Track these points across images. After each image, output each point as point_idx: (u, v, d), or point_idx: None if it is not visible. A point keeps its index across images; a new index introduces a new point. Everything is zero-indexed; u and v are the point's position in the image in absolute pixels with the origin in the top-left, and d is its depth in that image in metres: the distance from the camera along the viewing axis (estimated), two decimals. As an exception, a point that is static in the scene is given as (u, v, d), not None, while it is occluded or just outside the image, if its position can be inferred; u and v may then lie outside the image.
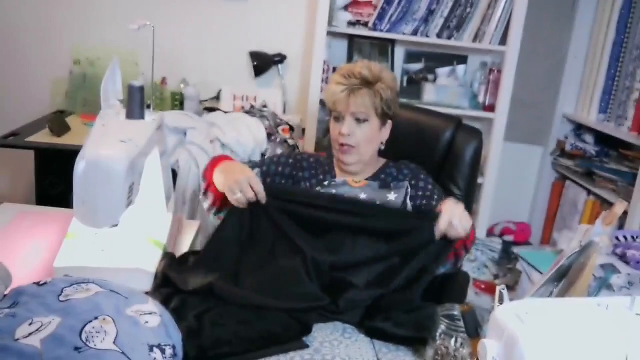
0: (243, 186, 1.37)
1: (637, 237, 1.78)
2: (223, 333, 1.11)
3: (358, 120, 1.52)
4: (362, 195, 1.52)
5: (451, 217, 1.31)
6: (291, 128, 2.57)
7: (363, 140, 1.53)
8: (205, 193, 1.55)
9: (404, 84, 2.98)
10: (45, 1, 2.91)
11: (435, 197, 1.55)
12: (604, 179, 2.79)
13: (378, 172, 1.61)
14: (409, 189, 1.55)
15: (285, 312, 1.19)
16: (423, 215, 1.43)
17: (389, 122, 1.59)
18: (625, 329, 0.83)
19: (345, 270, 1.32)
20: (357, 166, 1.57)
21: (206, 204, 1.56)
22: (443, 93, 2.87)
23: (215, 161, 1.56)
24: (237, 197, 1.38)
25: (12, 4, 2.92)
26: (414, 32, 2.77)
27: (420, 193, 1.55)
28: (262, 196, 1.39)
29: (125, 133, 1.19)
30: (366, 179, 1.59)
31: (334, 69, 2.79)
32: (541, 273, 1.92)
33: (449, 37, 2.78)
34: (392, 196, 1.52)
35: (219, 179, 1.46)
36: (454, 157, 1.76)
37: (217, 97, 2.93)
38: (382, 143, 1.60)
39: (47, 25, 2.94)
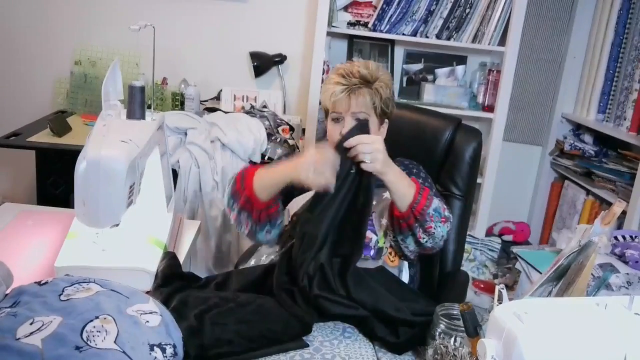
0: (312, 163, 1.31)
1: (635, 237, 1.78)
2: (224, 332, 1.11)
3: (358, 120, 1.51)
4: None
5: (361, 140, 1.33)
6: (291, 128, 2.57)
7: None
8: (240, 213, 1.44)
9: (404, 84, 2.99)
10: (46, 2, 2.92)
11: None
12: (603, 179, 2.80)
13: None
14: None
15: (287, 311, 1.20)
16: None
17: (386, 121, 1.59)
18: (624, 328, 0.84)
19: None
20: (357, 166, 1.57)
21: (245, 227, 1.46)
22: (443, 93, 2.88)
23: (249, 172, 1.44)
24: (313, 174, 1.30)
25: (14, 5, 2.93)
26: (414, 33, 2.77)
27: None
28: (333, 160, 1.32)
29: (126, 133, 1.19)
30: None
31: (334, 70, 2.79)
32: (540, 273, 1.92)
33: (448, 38, 2.78)
34: (387, 194, 1.51)
35: (275, 177, 1.39)
36: (453, 157, 1.77)
37: (217, 98, 2.94)
38: None
39: (48, 26, 2.95)
